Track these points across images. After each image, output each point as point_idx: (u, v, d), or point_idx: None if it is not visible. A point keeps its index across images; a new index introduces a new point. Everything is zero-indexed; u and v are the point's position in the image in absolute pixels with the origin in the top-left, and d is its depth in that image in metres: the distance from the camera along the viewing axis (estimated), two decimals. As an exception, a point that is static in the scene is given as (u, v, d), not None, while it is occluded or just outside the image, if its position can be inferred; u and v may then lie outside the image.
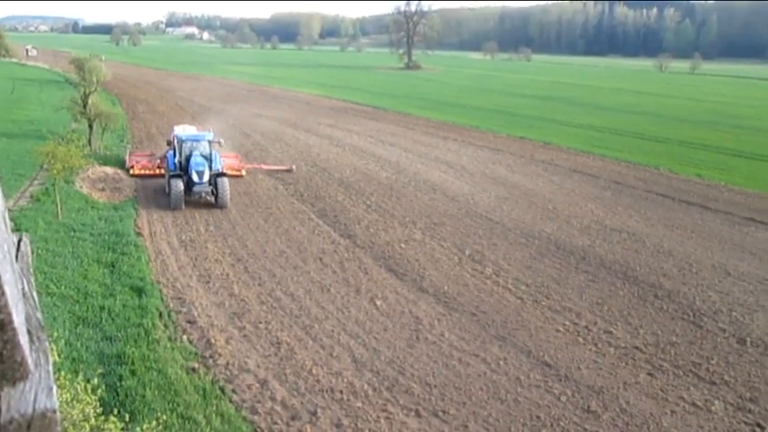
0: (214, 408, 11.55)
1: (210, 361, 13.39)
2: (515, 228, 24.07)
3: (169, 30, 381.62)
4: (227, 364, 13.33)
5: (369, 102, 66.23)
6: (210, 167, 24.91)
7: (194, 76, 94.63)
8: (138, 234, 21.08)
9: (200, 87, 75.14)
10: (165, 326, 14.82)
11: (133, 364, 12.67)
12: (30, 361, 0.74)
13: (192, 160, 24.97)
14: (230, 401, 11.94)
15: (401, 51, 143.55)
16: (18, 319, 0.72)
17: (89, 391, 8.41)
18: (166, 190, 25.21)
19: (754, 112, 68.54)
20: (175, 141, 26.36)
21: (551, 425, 11.80)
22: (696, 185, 32.88)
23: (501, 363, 14.00)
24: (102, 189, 26.52)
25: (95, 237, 20.35)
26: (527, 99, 74.92)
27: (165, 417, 10.18)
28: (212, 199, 24.51)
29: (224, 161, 27.88)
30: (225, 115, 50.94)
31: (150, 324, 14.58)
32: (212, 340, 14.28)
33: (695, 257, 21.60)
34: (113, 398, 11.04)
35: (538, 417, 12.03)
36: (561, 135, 47.52)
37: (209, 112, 52.86)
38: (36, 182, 26.12)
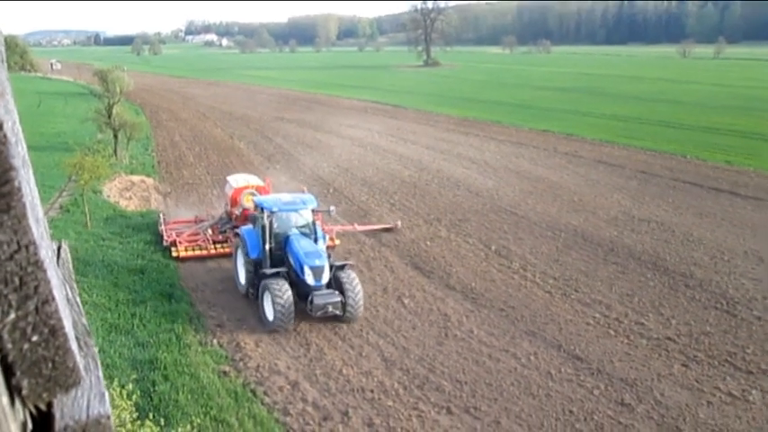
0: (246, 410, 11.66)
1: (241, 364, 13.52)
2: (541, 221, 23.88)
3: (188, 38, 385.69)
4: (258, 366, 13.44)
5: (389, 100, 66.24)
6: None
7: (215, 82, 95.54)
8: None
9: (221, 94, 75.83)
10: (196, 330, 14.99)
11: (165, 369, 12.84)
12: (81, 366, 0.75)
13: (297, 247, 15.66)
14: (262, 404, 12.04)
15: (419, 49, 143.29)
16: (68, 325, 0.73)
17: (125, 396, 8.54)
18: (243, 289, 16.79)
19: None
20: (258, 212, 16.83)
21: (585, 419, 11.69)
22: (725, 172, 32.29)
23: (531, 357, 13.91)
24: (130, 198, 26.92)
25: (124, 245, 20.67)
26: (548, 91, 74.27)
27: (198, 420, 10.31)
28: (338, 312, 15.08)
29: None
30: (246, 120, 51.40)
31: (181, 329, 14.77)
32: (242, 343, 14.41)
33: (726, 245, 21.23)
34: (148, 402, 11.20)
35: (571, 411, 11.93)
36: (584, 126, 47.03)
37: (230, 117, 53.37)
38: (65, 193, 26.59)
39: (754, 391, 12.68)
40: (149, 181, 30.07)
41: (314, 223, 17.08)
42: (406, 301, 16.76)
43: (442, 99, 67.62)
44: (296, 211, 16.75)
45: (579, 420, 11.65)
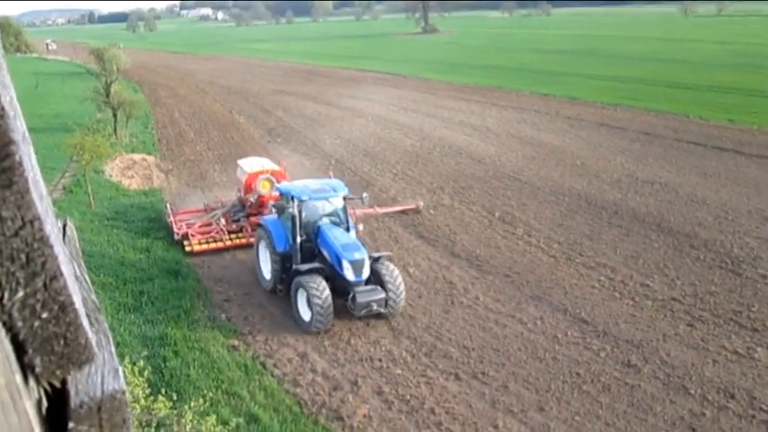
0: (257, 382, 11.81)
1: (249, 337, 13.65)
2: (544, 186, 23.84)
3: (183, 12, 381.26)
4: (266, 339, 13.57)
5: (388, 69, 65.66)
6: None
7: (212, 57, 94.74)
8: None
9: (219, 68, 75.26)
10: (204, 306, 15.11)
11: (176, 344, 12.99)
12: (93, 343, 0.75)
13: (331, 238, 14.34)
14: (272, 375, 12.18)
15: (417, 15, 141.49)
16: (77, 301, 0.74)
17: (136, 373, 8.65)
18: (268, 285, 15.51)
19: (786, 50, 66.27)
20: (285, 201, 15.45)
21: (592, 381, 11.82)
22: (728, 131, 32.07)
23: (538, 322, 14.01)
24: (132, 176, 26.91)
25: (129, 224, 20.72)
26: (549, 55, 73.50)
27: (210, 394, 10.44)
28: (383, 309, 13.86)
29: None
30: (245, 94, 51.08)
31: (189, 305, 14.90)
32: (250, 317, 14.54)
33: (731, 204, 21.19)
34: (159, 378, 11.35)
35: (578, 373, 12.05)
36: (586, 89, 46.63)
37: (229, 91, 53.04)
38: (67, 174, 26.59)
39: (759, 349, 12.77)
40: (150, 159, 30.02)
41: (344, 211, 15.68)
42: (411, 270, 16.83)
43: (441, 66, 66.98)
44: (326, 199, 15.31)
45: (586, 382, 11.77)
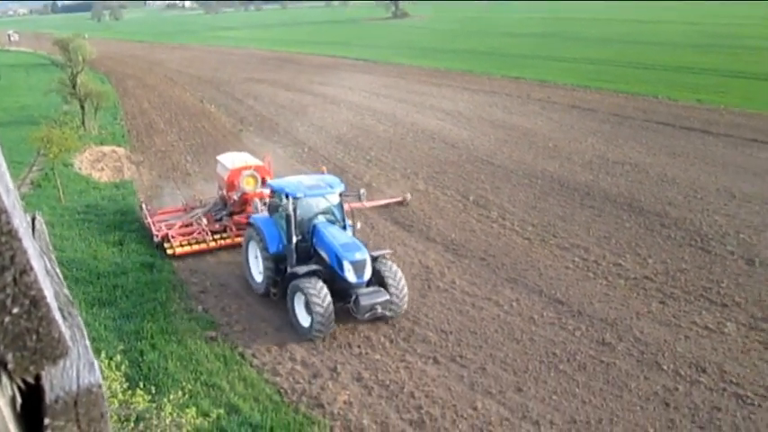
0: (236, 373, 11.78)
1: (227, 328, 13.59)
2: (517, 169, 24.01)
3: (149, 2, 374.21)
4: (244, 329, 13.52)
5: (359, 55, 65.34)
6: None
7: (181, 46, 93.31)
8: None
9: (188, 57, 74.18)
10: (180, 298, 14.99)
11: (152, 338, 12.88)
12: (67, 336, 0.74)
13: (329, 238, 13.58)
14: (251, 365, 12.16)
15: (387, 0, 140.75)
16: (49, 295, 0.73)
17: (113, 367, 8.57)
18: (260, 289, 14.69)
19: (753, 31, 67.33)
20: (277, 198, 14.87)
21: (568, 360, 12.00)
22: (696, 111, 32.57)
23: (514, 304, 14.16)
24: (102, 169, 26.49)
25: (100, 217, 20.42)
26: (520, 38, 73.76)
27: (189, 386, 10.39)
28: (387, 312, 13.24)
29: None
30: (216, 83, 50.49)
31: (164, 297, 14.77)
32: (227, 308, 14.46)
33: (700, 183, 21.57)
34: (137, 372, 11.26)
35: (554, 353, 12.23)
36: (557, 71, 46.92)
37: (199, 81, 52.37)
38: (35, 168, 26.09)
39: (728, 324, 13.07)
40: (121, 151, 29.56)
41: (340, 208, 14.72)
42: (387, 257, 16.84)
43: (412, 51, 66.82)
44: (322, 195, 14.41)
45: (563, 362, 11.95)
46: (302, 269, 13.12)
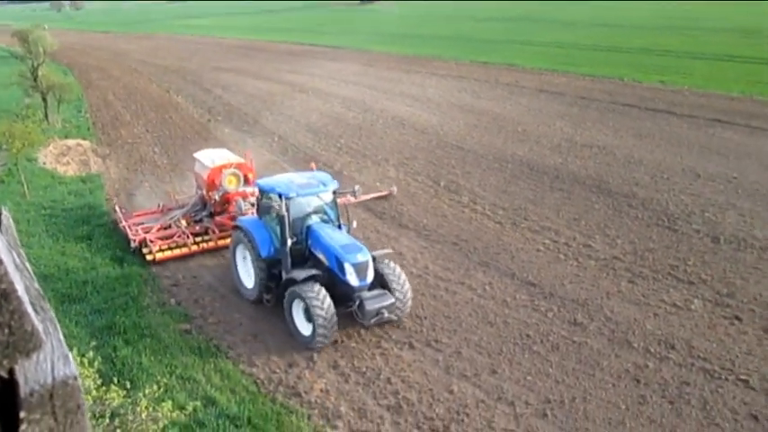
0: (212, 365, 11.73)
1: (201, 320, 13.50)
2: (487, 154, 24.16)
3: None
4: (219, 321, 13.45)
5: (327, 42, 64.91)
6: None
7: (145, 35, 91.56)
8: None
9: (153, 47, 72.87)
10: (152, 292, 14.84)
11: (125, 333, 12.73)
12: (40, 330, 0.74)
13: (327, 239, 12.85)
14: (227, 357, 12.11)
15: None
16: (20, 289, 0.72)
17: (86, 364, 8.46)
18: (252, 295, 13.96)
19: (714, 12, 68.46)
20: (267, 198, 13.89)
21: (541, 341, 12.19)
22: (660, 92, 33.09)
23: (487, 287, 14.31)
24: (68, 163, 25.97)
25: (67, 212, 20.05)
26: (488, 22, 73.95)
27: (164, 380, 10.30)
28: (394, 316, 12.64)
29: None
30: (182, 73, 49.74)
31: (136, 292, 14.59)
32: (200, 300, 14.36)
33: (665, 164, 21.96)
34: (111, 368, 11.12)
35: (528, 335, 12.40)
36: (524, 55, 47.20)
37: (165, 71, 51.53)
38: (-3, 163, 25.44)
39: (695, 300, 13.40)
40: (86, 144, 28.99)
41: (334, 207, 13.97)
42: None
43: (380, 37, 66.57)
44: (316, 194, 13.54)
45: (536, 343, 12.14)
46: (301, 274, 12.32)
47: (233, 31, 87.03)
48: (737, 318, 12.71)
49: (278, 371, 11.61)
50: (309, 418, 10.31)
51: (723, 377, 10.88)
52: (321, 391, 10.98)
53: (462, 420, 10.08)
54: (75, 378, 0.80)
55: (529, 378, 11.08)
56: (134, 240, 16.64)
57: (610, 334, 12.34)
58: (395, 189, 20.40)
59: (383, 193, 20.23)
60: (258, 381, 11.36)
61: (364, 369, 11.51)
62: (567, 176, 21.23)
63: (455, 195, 20.14)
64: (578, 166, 22.24)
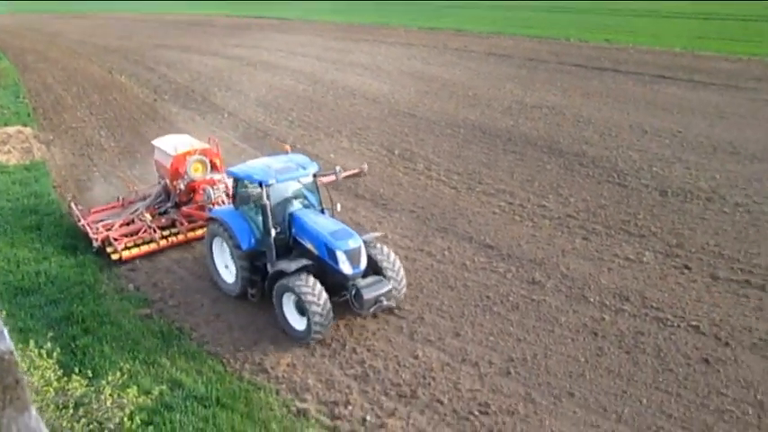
0: (175, 348, 11.61)
1: (162, 304, 13.33)
2: (439, 120, 24.24)
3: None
4: (180, 303, 13.30)
5: (271, 14, 63.62)
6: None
7: (80, 15, 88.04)
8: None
9: (90, 26, 70.27)
10: (108, 278, 14.55)
11: (84, 322, 12.47)
12: None
13: (313, 226, 12.15)
14: (191, 339, 12.02)
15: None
16: None
17: (44, 356, 8.31)
18: (234, 291, 13.20)
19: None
20: (244, 186, 13.05)
21: (501, 302, 12.45)
22: (606, 51, 33.60)
23: (446, 253, 14.49)
24: (9, 151, 25.05)
25: (13, 202, 19.39)
26: (432, -13, 73.42)
27: (128, 366, 10.18)
28: (392, 303, 12.08)
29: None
30: (124, 52, 48.21)
31: (92, 279, 14.28)
32: (159, 284, 14.16)
33: (613, 121, 22.42)
34: (71, 358, 10.94)
35: (488, 296, 12.65)
36: (472, 20, 47.19)
37: (105, 51, 49.85)
38: (-66, 155, 24.38)
39: (647, 253, 13.85)
40: (27, 130, 27.96)
41: (315, 191, 13.17)
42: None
43: (326, 5, 65.57)
44: (296, 179, 12.69)
45: (496, 303, 12.39)
46: (291, 266, 11.53)
47: (172, 6, 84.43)
48: (687, 267, 13.21)
49: (243, 348, 11.59)
50: (278, 392, 10.36)
51: (675, 324, 11.33)
52: (288, 365, 11.03)
53: (429, 384, 10.28)
54: (11, 352, 0.80)
55: (491, 338, 11.34)
56: (96, 239, 15.44)
57: (567, 290, 12.68)
58: (365, 167, 19.35)
59: (355, 172, 19.37)
60: (224, 360, 11.33)
61: (329, 341, 11.58)
62: (518, 138, 21.50)
63: (410, 163, 20.21)
64: (529, 127, 22.52)
